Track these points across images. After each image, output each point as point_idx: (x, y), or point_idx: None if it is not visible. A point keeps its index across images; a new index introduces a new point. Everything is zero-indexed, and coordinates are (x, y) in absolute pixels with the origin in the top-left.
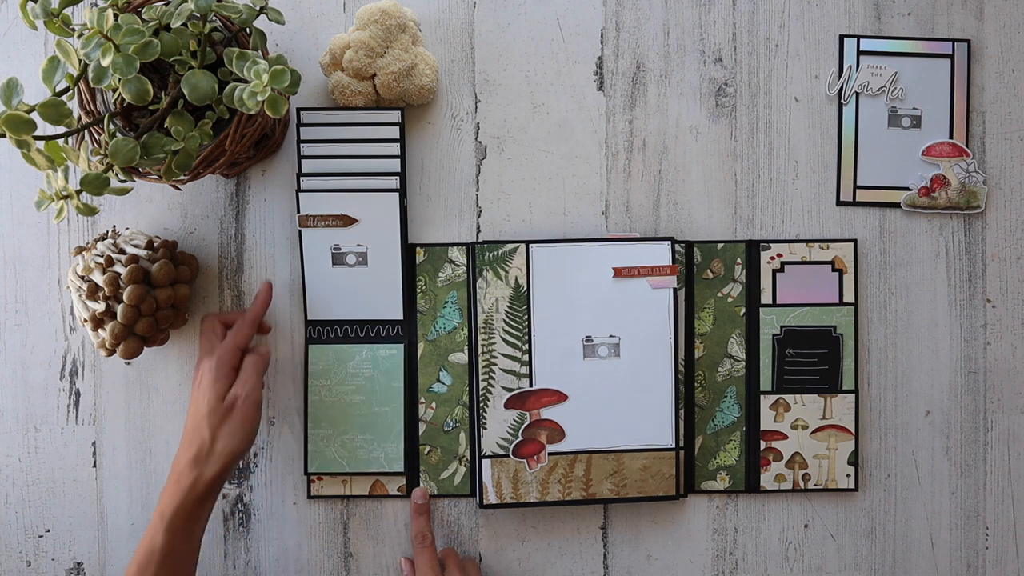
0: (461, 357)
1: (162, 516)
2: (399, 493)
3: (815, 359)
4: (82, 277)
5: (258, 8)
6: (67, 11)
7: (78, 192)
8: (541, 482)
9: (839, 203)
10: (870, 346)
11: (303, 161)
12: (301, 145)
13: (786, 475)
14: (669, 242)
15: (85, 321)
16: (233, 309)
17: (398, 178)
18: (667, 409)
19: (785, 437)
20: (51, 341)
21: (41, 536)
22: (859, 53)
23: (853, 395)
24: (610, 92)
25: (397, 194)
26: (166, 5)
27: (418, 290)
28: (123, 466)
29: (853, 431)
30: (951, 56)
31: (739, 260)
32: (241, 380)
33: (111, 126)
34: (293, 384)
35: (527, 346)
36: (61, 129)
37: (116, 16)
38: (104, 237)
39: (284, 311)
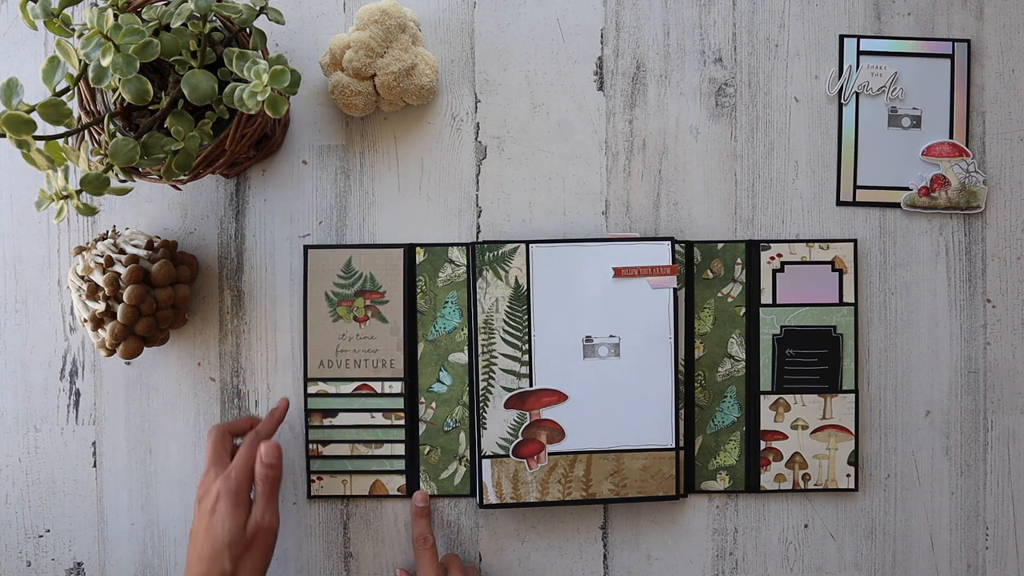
0: (461, 357)
1: None
2: (399, 493)
3: (815, 359)
4: (82, 277)
5: (258, 8)
6: (67, 11)
7: (78, 192)
8: (541, 482)
9: (839, 203)
10: (870, 346)
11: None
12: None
13: (786, 475)
14: (669, 242)
15: (85, 321)
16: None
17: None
18: (667, 409)
19: (785, 437)
20: (51, 341)
21: (41, 536)
22: (859, 53)
23: (853, 395)
24: (610, 92)
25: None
26: (166, 5)
27: (418, 290)
28: (123, 466)
29: (853, 431)
30: (951, 56)
31: (739, 260)
32: (259, 507)
33: (111, 126)
34: (293, 384)
35: (527, 346)
36: (61, 129)
37: (116, 16)
38: (104, 237)
39: (284, 310)
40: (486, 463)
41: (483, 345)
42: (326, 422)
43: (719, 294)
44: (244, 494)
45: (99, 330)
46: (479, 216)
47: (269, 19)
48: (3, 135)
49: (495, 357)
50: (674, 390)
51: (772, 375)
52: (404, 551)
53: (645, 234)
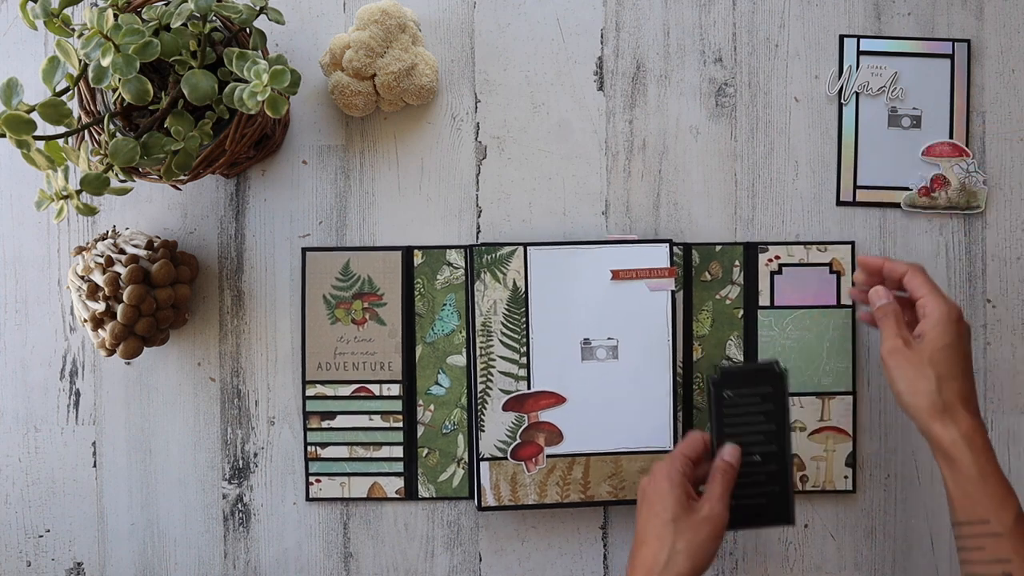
0: (459, 359)
1: None
2: (397, 496)
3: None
4: (82, 277)
5: (258, 8)
6: (67, 11)
7: (78, 192)
8: (539, 484)
9: (839, 203)
10: (869, 347)
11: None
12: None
13: None
14: (667, 244)
15: (85, 321)
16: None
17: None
18: (665, 411)
19: None
20: (51, 341)
21: (41, 536)
22: (859, 53)
23: (851, 397)
24: (610, 92)
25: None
26: (166, 5)
27: (416, 292)
28: (123, 466)
29: (851, 433)
30: (951, 56)
31: (737, 262)
32: (710, 494)
33: (111, 126)
34: (293, 384)
35: (525, 348)
36: (61, 129)
37: (116, 16)
38: (104, 237)
39: (284, 310)
40: (484, 465)
41: (481, 347)
42: (324, 424)
43: (717, 296)
44: (678, 476)
45: (99, 330)
46: (479, 216)
47: (269, 19)
48: (3, 135)
49: (493, 359)
50: (672, 392)
51: None
52: (404, 551)
53: (645, 234)
